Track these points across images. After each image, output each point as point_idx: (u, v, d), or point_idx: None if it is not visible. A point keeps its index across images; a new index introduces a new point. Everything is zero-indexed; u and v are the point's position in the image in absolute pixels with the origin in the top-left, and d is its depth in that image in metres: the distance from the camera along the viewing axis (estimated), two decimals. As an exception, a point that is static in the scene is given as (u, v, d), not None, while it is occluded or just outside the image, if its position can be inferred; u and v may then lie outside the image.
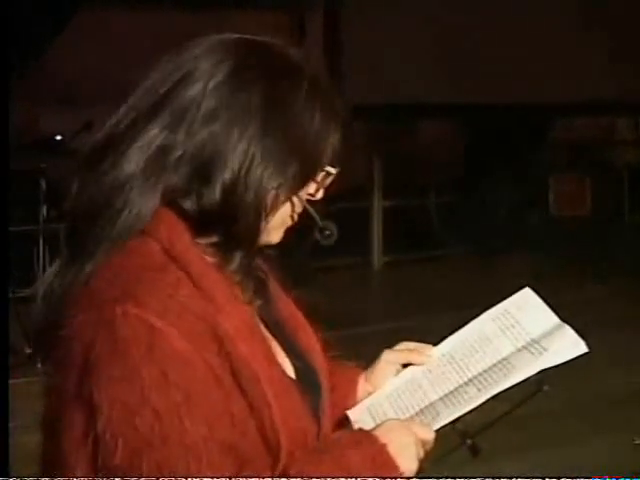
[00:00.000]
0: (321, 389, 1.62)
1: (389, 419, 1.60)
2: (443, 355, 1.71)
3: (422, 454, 1.52)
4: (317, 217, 1.55)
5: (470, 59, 8.91)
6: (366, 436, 1.51)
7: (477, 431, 1.60)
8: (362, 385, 1.77)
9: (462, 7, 8.90)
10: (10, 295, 4.97)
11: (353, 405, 1.75)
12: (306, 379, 1.56)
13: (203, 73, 1.42)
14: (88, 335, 1.34)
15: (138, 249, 1.41)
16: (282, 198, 1.44)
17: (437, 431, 1.54)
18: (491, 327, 1.70)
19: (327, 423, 1.62)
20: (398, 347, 1.77)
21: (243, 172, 1.40)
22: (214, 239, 1.44)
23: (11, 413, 2.37)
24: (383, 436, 1.49)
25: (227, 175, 1.40)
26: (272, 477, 1.39)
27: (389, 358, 1.75)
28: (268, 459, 1.39)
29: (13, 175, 3.19)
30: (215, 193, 1.40)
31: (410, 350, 1.74)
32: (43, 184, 7.01)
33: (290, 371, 1.53)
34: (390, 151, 9.72)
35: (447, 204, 10.13)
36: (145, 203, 1.41)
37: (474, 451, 1.59)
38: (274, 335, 1.56)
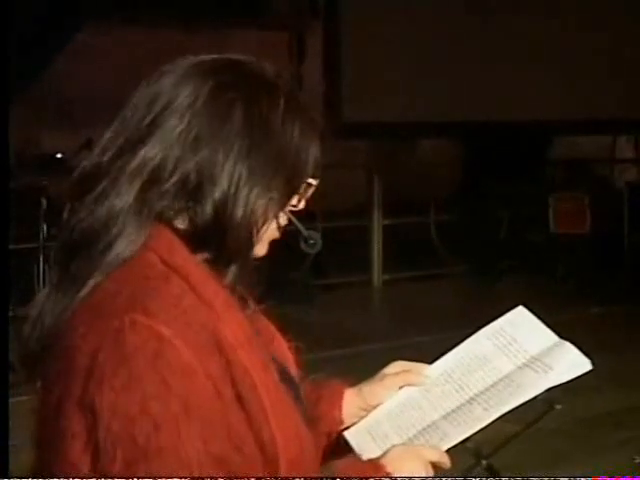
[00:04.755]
0: (300, 398, 1.64)
1: (395, 445, 1.59)
2: (440, 374, 1.71)
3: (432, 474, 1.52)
4: (301, 227, 1.57)
5: (469, 77, 8.94)
6: (371, 466, 1.52)
7: (491, 451, 1.59)
8: (350, 398, 1.76)
9: (461, 25, 8.93)
10: (10, 313, 4.96)
11: (338, 416, 1.74)
12: (289, 388, 1.57)
13: (184, 101, 1.46)
14: (92, 346, 1.34)
15: (139, 261, 1.43)
16: (271, 212, 1.49)
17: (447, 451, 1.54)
18: (487, 345, 1.70)
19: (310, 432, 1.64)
20: (393, 368, 1.76)
21: (232, 190, 1.44)
22: (208, 255, 1.47)
23: (11, 431, 2.38)
24: (389, 464, 1.50)
25: (217, 195, 1.44)
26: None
27: (388, 384, 1.73)
28: (265, 471, 1.40)
29: (14, 193, 3.20)
30: (207, 212, 1.44)
31: (406, 372, 1.74)
32: (44, 202, 7.02)
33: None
34: (390, 169, 9.74)
35: (446, 222, 10.14)
36: (139, 231, 1.44)
37: (491, 472, 1.58)
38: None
